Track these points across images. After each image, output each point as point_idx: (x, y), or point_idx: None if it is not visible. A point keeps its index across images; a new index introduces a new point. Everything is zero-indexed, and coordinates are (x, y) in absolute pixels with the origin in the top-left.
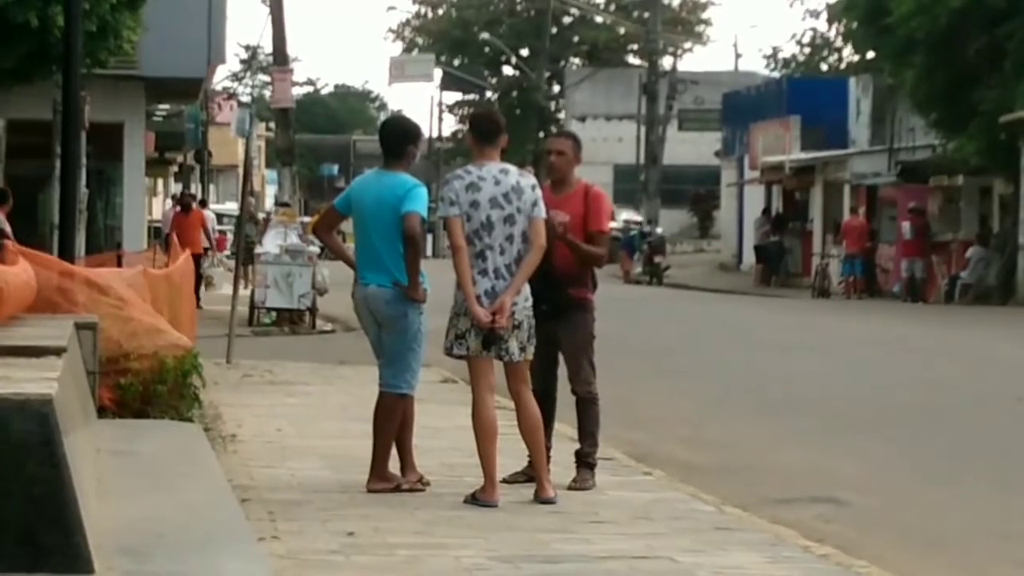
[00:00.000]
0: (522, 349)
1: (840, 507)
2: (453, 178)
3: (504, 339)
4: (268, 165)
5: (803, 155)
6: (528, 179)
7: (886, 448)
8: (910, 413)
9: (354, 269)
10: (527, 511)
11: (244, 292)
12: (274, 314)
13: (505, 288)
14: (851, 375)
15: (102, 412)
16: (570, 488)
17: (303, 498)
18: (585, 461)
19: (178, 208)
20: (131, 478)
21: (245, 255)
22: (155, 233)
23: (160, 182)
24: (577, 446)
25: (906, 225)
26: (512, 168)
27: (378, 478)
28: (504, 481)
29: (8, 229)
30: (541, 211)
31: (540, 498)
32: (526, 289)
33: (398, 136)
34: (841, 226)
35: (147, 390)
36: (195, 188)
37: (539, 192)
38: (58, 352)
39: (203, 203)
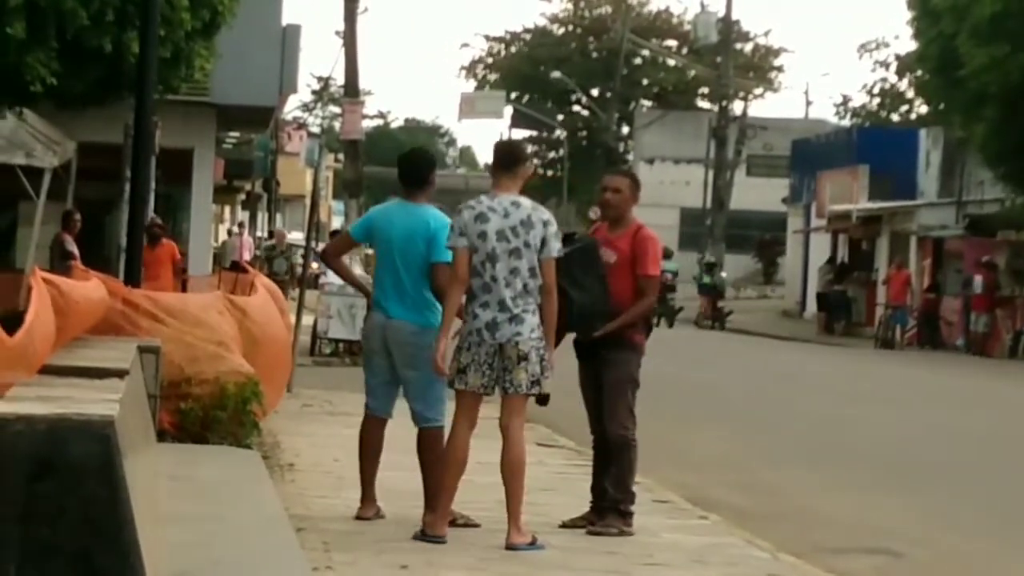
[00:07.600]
0: (534, 382)
1: (895, 558)
2: (464, 208)
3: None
4: (335, 196)
5: (870, 205)
6: (541, 213)
7: (940, 499)
8: (964, 465)
9: (367, 296)
10: (582, 552)
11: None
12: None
13: (506, 320)
14: (906, 425)
15: (162, 436)
16: (588, 532)
17: (358, 529)
18: (613, 507)
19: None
20: (189, 503)
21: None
22: (217, 259)
23: (227, 209)
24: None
25: (978, 279)
26: (525, 201)
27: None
28: (563, 525)
29: (75, 250)
30: (551, 251)
31: (508, 544)
32: (534, 320)
33: (423, 166)
34: (885, 276)
35: (207, 415)
36: (262, 217)
37: (553, 228)
38: (121, 375)
39: (271, 233)
